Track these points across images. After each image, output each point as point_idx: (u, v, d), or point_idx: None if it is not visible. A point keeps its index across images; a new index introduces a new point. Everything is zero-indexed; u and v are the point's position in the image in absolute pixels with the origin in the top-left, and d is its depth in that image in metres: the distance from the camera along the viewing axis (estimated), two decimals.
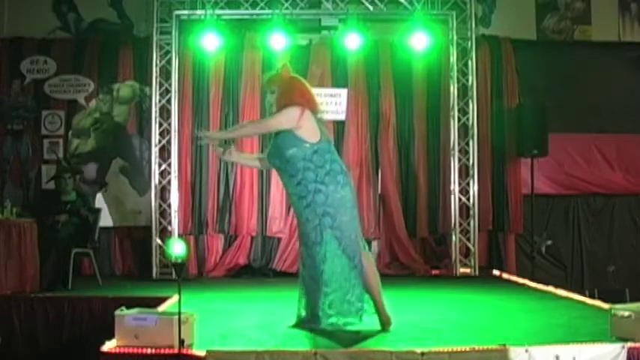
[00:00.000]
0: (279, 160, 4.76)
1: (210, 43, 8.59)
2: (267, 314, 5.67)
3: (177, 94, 8.87)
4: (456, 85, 8.98)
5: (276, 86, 4.82)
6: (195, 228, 9.04)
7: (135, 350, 4.09)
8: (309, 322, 4.85)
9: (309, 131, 4.72)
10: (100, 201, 8.87)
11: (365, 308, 4.80)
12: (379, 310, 4.82)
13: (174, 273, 4.48)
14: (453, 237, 8.91)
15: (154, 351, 4.06)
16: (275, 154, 4.78)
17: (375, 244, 9.14)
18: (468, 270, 8.81)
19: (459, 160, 8.99)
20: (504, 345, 4.03)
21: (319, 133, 4.76)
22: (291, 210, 9.03)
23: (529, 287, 7.56)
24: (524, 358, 3.99)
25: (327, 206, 4.67)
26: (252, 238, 9.13)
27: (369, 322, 4.82)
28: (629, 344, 4.11)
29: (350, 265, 4.70)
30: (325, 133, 4.83)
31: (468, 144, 9.00)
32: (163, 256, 8.50)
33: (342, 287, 4.69)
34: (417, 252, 9.16)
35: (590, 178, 9.46)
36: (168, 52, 8.81)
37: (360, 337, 4.60)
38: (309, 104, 4.78)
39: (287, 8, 8.72)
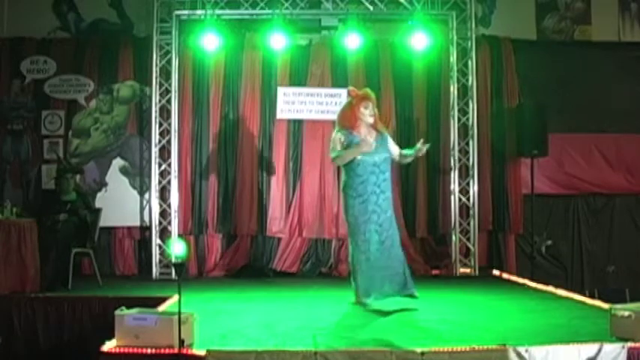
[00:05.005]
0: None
1: (210, 43, 8.59)
2: (267, 314, 5.68)
3: (177, 94, 8.87)
4: (455, 85, 8.98)
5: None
6: (195, 228, 9.02)
7: (135, 350, 4.10)
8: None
9: None
10: (100, 201, 8.87)
11: None
12: None
13: (174, 273, 4.49)
14: (453, 237, 8.91)
15: (154, 351, 4.07)
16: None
17: None
18: (468, 270, 8.82)
19: (459, 160, 8.99)
20: (504, 345, 4.04)
21: None
22: (291, 210, 9.07)
23: (529, 287, 7.56)
24: (524, 358, 3.99)
25: None
26: (252, 238, 9.11)
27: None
28: (629, 344, 4.12)
29: None
30: None
31: (468, 144, 9.00)
32: (163, 256, 8.51)
33: None
34: (417, 252, 9.14)
35: (590, 178, 9.44)
36: (168, 52, 8.81)
37: (360, 336, 4.61)
38: None
39: (287, 8, 8.72)
